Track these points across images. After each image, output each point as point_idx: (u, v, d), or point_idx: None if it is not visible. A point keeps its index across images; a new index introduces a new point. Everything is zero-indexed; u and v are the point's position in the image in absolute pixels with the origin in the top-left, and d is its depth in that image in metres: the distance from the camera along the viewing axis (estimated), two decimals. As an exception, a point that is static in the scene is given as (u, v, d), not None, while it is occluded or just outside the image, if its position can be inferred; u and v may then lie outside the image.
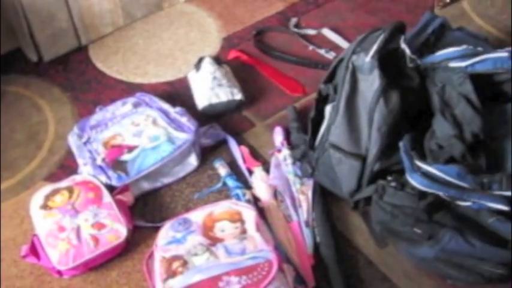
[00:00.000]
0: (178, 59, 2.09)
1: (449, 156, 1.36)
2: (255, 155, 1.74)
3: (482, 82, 1.45)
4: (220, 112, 1.84)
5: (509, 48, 1.48)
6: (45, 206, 1.53)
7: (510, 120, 1.43)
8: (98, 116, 1.77)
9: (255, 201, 1.60)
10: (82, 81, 2.02)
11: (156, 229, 1.51)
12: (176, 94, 1.93)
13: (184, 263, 1.37)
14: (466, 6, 2.26)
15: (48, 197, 1.56)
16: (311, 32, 2.17)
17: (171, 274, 1.35)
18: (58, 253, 1.45)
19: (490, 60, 1.45)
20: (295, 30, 2.18)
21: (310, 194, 1.59)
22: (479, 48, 1.55)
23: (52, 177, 1.71)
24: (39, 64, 2.07)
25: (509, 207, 1.34)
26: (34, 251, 1.47)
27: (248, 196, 1.60)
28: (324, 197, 1.60)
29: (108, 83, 2.00)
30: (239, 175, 1.68)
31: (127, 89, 1.97)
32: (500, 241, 1.36)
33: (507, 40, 2.08)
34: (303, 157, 1.62)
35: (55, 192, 1.57)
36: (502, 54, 1.46)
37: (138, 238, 1.55)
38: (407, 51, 1.49)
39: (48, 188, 1.59)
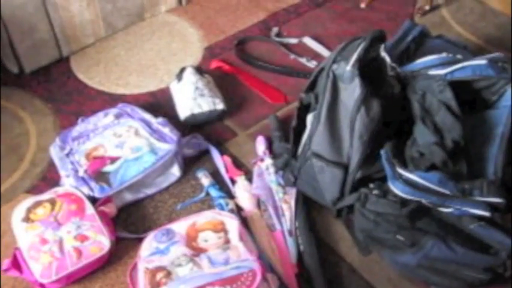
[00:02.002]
0: (160, 70, 2.09)
1: (431, 163, 1.37)
2: (238, 164, 1.74)
3: (462, 89, 1.46)
4: (202, 122, 1.84)
5: (488, 56, 1.50)
6: (27, 219, 1.52)
7: (490, 126, 1.45)
8: (80, 127, 1.76)
9: (238, 210, 1.60)
10: (64, 93, 2.01)
11: (140, 240, 1.50)
12: (158, 105, 1.93)
13: (168, 274, 1.36)
14: (446, 14, 2.28)
15: (30, 210, 1.55)
16: (292, 41, 2.18)
17: (155, 285, 1.35)
18: (41, 266, 1.43)
19: (469, 67, 1.47)
20: (277, 39, 2.19)
21: (293, 202, 1.59)
22: (459, 56, 1.57)
23: (34, 190, 1.70)
24: (21, 76, 2.06)
25: (490, 213, 1.36)
26: (16, 264, 1.45)
27: (231, 206, 1.60)
28: (307, 206, 1.60)
29: (90, 94, 2.00)
30: (222, 185, 1.67)
31: (109, 100, 1.96)
32: (482, 247, 1.37)
33: (486, 47, 2.11)
34: (286, 166, 1.63)
35: (37, 204, 1.56)
36: (481, 61, 1.47)
37: (122, 249, 1.54)
38: (388, 59, 1.50)
39: (30, 200, 1.58)
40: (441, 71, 1.47)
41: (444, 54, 1.55)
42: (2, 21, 1.91)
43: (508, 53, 1.98)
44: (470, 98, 1.49)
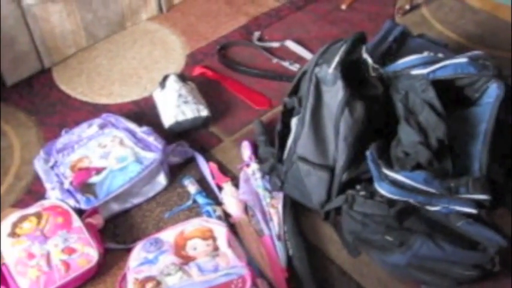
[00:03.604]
0: (143, 78, 2.08)
1: (416, 162, 1.38)
2: (224, 170, 1.73)
3: (444, 88, 1.47)
4: (187, 129, 1.84)
5: (469, 54, 1.51)
6: (13, 234, 1.51)
7: (473, 124, 1.45)
8: (64, 139, 1.75)
9: (226, 217, 1.60)
10: (47, 104, 2.00)
11: (128, 251, 1.50)
12: (142, 113, 1.93)
13: (158, 284, 1.36)
14: (426, 13, 2.29)
15: (16, 224, 1.53)
16: (274, 44, 2.19)
17: (144, 296, 1.34)
18: (28, 281, 1.42)
19: (451, 66, 1.48)
20: (259, 43, 2.19)
21: (280, 207, 1.59)
22: (440, 55, 1.58)
23: (20, 203, 1.68)
24: (2, 89, 2.05)
25: (476, 210, 1.36)
26: (3, 280, 1.44)
27: (219, 212, 1.59)
28: (295, 210, 1.60)
29: (73, 105, 1.99)
30: (209, 192, 1.67)
31: (92, 111, 1.95)
32: (470, 244, 1.38)
33: (467, 44, 2.12)
34: (272, 171, 1.62)
35: (23, 218, 1.54)
36: (462, 59, 1.48)
37: (110, 261, 1.53)
38: (370, 60, 1.51)
39: (15, 214, 1.56)
40: (423, 71, 1.48)
41: (426, 54, 1.56)
42: (-18, 35, 1.90)
43: (487, 50, 1.99)
44: (452, 96, 1.50)
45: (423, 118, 1.43)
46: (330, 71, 1.42)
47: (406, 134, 1.42)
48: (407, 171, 1.36)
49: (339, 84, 1.41)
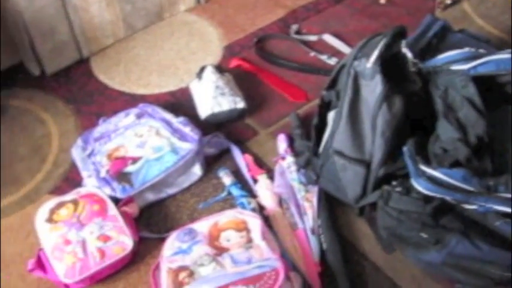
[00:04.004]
0: (180, 69, 2.09)
1: (454, 159, 1.35)
2: (259, 163, 1.73)
3: (485, 84, 1.44)
4: (223, 121, 1.84)
5: (512, 50, 1.48)
6: (50, 220, 1.53)
7: (514, 121, 1.43)
8: (101, 128, 1.77)
9: (260, 209, 1.60)
10: (84, 94, 2.02)
11: (162, 240, 1.50)
12: (179, 104, 1.93)
13: (191, 274, 1.36)
14: (467, 8, 2.25)
15: (53, 211, 1.56)
16: (312, 38, 2.17)
17: (177, 285, 1.35)
18: (64, 266, 1.44)
19: (493, 62, 1.44)
20: (296, 36, 2.18)
21: (315, 201, 1.58)
22: (482, 50, 1.54)
23: (57, 191, 1.71)
24: (42, 77, 2.08)
25: (515, 210, 1.34)
26: (40, 264, 1.47)
27: (253, 205, 1.59)
28: (329, 204, 1.59)
29: (111, 95, 2.01)
30: (244, 184, 1.67)
31: (129, 100, 1.97)
32: (508, 244, 1.35)
33: (509, 40, 2.08)
34: (307, 164, 1.62)
35: (60, 205, 1.57)
36: (505, 55, 1.45)
37: (144, 249, 1.55)
38: (409, 55, 1.49)
39: (53, 201, 1.59)
40: (464, 66, 1.45)
41: (467, 49, 1.53)
42: (24, 24, 1.92)
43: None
44: (493, 93, 1.47)
45: (463, 115, 1.41)
46: (368, 65, 1.41)
47: (445, 131, 1.40)
48: (445, 168, 1.33)
49: (378, 78, 1.40)
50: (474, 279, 1.39)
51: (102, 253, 1.46)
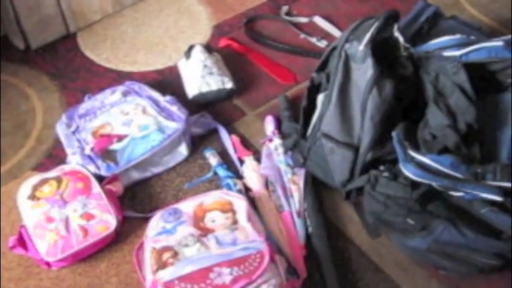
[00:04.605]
0: (168, 47, 2.06)
1: (443, 146, 1.35)
2: (246, 144, 1.72)
3: (476, 71, 1.43)
4: (210, 101, 1.82)
5: (505, 38, 1.48)
6: (33, 197, 1.51)
7: (504, 110, 1.42)
8: (87, 104, 1.74)
9: (246, 191, 1.59)
10: (70, 70, 1.99)
11: (146, 219, 1.49)
12: (166, 82, 1.91)
13: (175, 254, 1.35)
14: (459, -5, 2.24)
15: (36, 187, 1.53)
16: (302, 20, 2.15)
17: (161, 265, 1.33)
18: (46, 244, 1.42)
19: (485, 49, 1.44)
20: (287, 18, 2.16)
21: (301, 183, 1.57)
22: (473, 37, 1.54)
23: (40, 167, 1.68)
24: (27, 52, 2.04)
25: (502, 198, 1.34)
26: (22, 242, 1.45)
27: (239, 186, 1.58)
28: (316, 187, 1.58)
29: (97, 71, 1.98)
30: (230, 164, 1.66)
31: (116, 78, 1.94)
32: (493, 232, 1.35)
33: (500, 29, 2.07)
34: (295, 146, 1.61)
35: (43, 182, 1.54)
36: (497, 43, 1.44)
37: (128, 229, 1.53)
38: (401, 39, 1.48)
39: (36, 178, 1.56)
40: (456, 53, 1.44)
41: (458, 36, 1.52)
42: (9, -4, 1.89)
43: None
44: (484, 81, 1.46)
45: (453, 101, 1.40)
46: (360, 47, 1.39)
47: (435, 117, 1.39)
48: (434, 154, 1.33)
49: (369, 61, 1.38)
50: (459, 266, 1.39)
51: (85, 231, 1.44)
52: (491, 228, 1.36)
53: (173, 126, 1.64)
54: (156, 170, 1.65)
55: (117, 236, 1.50)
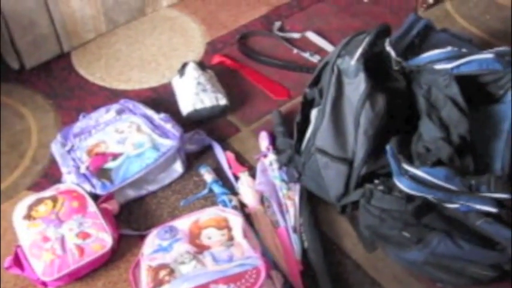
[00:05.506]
0: (161, 65, 2.07)
1: (437, 158, 1.35)
2: (241, 160, 1.72)
3: (468, 84, 1.44)
4: (205, 117, 1.82)
5: (495, 50, 1.48)
6: (28, 216, 1.51)
7: (496, 121, 1.43)
8: (82, 123, 1.74)
9: (242, 207, 1.59)
10: (65, 88, 1.99)
11: (142, 237, 1.49)
12: (160, 100, 1.91)
13: (171, 272, 1.35)
14: (450, 8, 2.26)
15: (31, 207, 1.53)
16: (295, 35, 2.17)
17: (157, 283, 1.33)
18: (42, 264, 1.42)
19: (476, 61, 1.45)
20: (279, 33, 2.17)
21: (297, 199, 1.57)
22: (464, 50, 1.55)
23: (35, 187, 1.68)
24: (21, 71, 2.05)
25: (497, 209, 1.34)
26: (18, 262, 1.44)
27: (234, 202, 1.58)
28: (311, 202, 1.59)
29: (91, 90, 1.98)
30: (225, 181, 1.66)
31: (110, 96, 1.94)
32: (489, 243, 1.35)
33: (491, 41, 2.09)
34: (289, 162, 1.61)
35: (39, 201, 1.54)
36: (488, 55, 1.45)
37: (124, 247, 1.53)
38: (393, 53, 1.49)
39: (31, 197, 1.56)
40: (447, 65, 1.45)
41: (450, 48, 1.53)
42: (3, 17, 1.89)
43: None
44: (476, 93, 1.47)
45: (445, 114, 1.41)
46: (352, 62, 1.40)
47: (428, 129, 1.40)
48: (428, 167, 1.33)
49: (361, 76, 1.39)
50: (455, 278, 1.39)
51: (81, 250, 1.44)
52: (486, 239, 1.36)
53: (168, 144, 1.64)
54: (152, 187, 1.65)
55: (113, 254, 1.50)
